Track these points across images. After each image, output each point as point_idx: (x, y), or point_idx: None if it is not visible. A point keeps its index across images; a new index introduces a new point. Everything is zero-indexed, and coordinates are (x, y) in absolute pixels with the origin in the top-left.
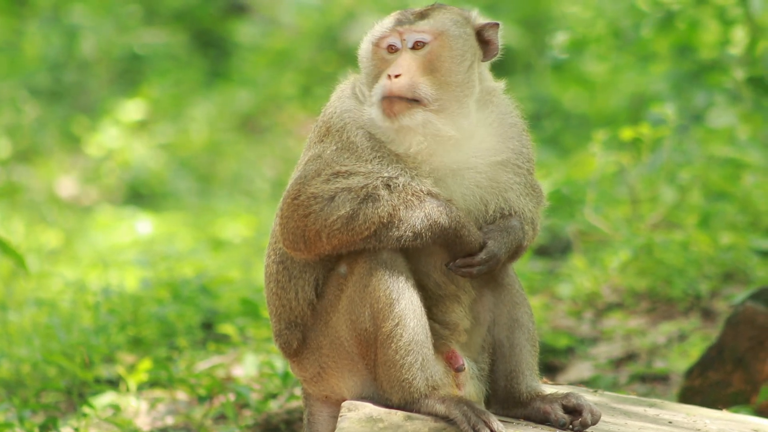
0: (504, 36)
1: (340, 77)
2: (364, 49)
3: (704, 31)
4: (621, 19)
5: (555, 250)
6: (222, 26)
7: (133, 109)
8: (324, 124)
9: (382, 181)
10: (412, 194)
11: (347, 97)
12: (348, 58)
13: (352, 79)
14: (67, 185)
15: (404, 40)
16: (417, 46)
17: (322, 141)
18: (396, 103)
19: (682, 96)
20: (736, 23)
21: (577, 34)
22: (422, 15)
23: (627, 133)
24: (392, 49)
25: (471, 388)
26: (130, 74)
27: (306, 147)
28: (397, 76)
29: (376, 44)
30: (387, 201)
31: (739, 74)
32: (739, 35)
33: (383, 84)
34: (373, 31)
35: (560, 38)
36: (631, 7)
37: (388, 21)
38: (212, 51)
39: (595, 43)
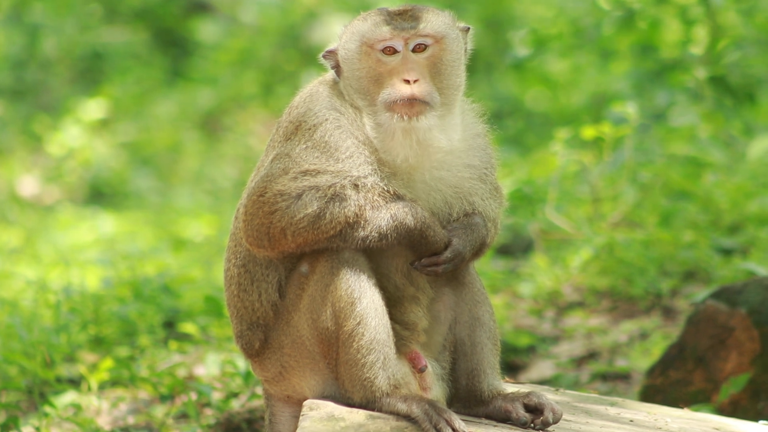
0: (472, 38)
1: (303, 76)
2: (351, 50)
3: (666, 30)
4: (582, 18)
5: (516, 249)
6: (183, 25)
7: (94, 108)
8: (291, 123)
9: (350, 181)
10: (379, 195)
11: (325, 97)
12: (310, 56)
13: (324, 79)
14: (28, 184)
15: (407, 44)
16: (418, 49)
17: (290, 139)
18: (417, 104)
19: (644, 95)
20: (698, 22)
21: (538, 33)
22: (415, 17)
23: (588, 132)
24: (390, 51)
25: (437, 388)
26: (91, 73)
27: (268, 147)
28: (415, 81)
29: (370, 46)
30: (354, 201)
31: (701, 73)
32: (701, 34)
33: (399, 89)
34: (361, 31)
35: (522, 37)
36: (593, 6)
37: (378, 22)
38: (174, 50)
39: (556, 42)
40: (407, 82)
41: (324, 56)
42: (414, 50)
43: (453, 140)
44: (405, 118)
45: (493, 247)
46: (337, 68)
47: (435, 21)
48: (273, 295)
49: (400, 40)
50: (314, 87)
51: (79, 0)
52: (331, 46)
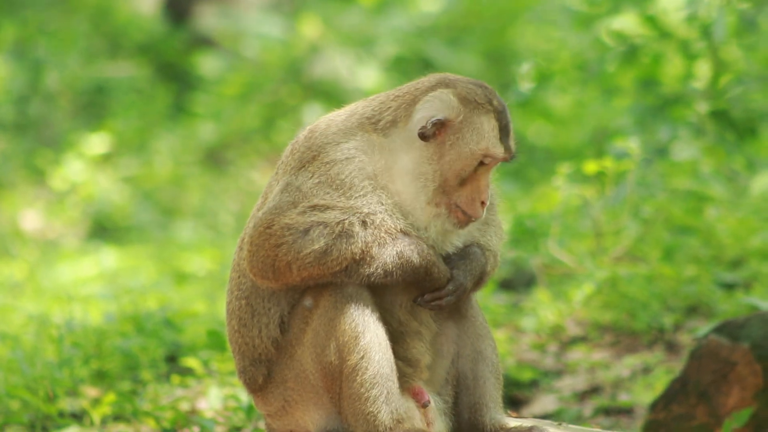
0: (468, 69)
1: (305, 110)
2: (463, 140)
3: (668, 65)
4: (585, 52)
5: (519, 283)
6: (186, 60)
7: (97, 143)
8: (309, 150)
9: (358, 218)
10: (386, 232)
11: (356, 133)
12: (312, 90)
13: (360, 113)
14: (31, 218)
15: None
16: None
17: (304, 168)
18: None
19: (646, 129)
20: (700, 57)
21: (541, 68)
22: (515, 140)
23: (591, 167)
24: (489, 164)
25: (439, 423)
26: (94, 107)
27: (280, 170)
28: (484, 204)
29: (483, 153)
30: (361, 238)
31: (703, 108)
32: (703, 69)
33: (476, 210)
34: (481, 134)
35: (526, 71)
36: (595, 40)
37: (497, 134)
38: (176, 84)
39: (559, 76)
40: (483, 204)
41: (433, 123)
42: None
43: None
44: (456, 225)
45: (495, 281)
46: (428, 136)
47: None
48: (274, 331)
49: (500, 162)
50: (347, 119)
51: (82, 35)
52: (439, 116)
